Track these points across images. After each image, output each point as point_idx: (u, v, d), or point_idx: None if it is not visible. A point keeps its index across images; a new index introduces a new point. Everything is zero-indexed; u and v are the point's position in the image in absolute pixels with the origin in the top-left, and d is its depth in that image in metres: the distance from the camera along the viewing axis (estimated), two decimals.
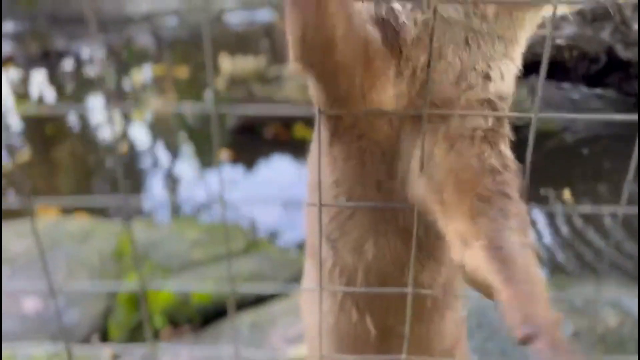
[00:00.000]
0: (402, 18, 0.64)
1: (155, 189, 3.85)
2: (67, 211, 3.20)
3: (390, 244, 0.76)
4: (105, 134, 4.82)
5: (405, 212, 0.72)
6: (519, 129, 0.71)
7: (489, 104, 0.67)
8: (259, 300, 2.20)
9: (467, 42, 0.65)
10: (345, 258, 0.79)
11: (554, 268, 2.61)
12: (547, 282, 0.58)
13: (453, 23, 0.64)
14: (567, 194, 3.31)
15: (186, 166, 4.14)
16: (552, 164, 3.31)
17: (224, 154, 4.06)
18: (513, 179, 0.65)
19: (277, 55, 4.48)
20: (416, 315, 0.74)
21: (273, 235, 2.98)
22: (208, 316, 2.15)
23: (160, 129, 4.82)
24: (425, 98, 0.58)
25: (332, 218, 0.78)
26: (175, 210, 3.50)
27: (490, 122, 0.67)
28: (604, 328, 1.81)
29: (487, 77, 0.67)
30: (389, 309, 0.80)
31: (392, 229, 0.75)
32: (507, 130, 0.69)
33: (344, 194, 0.76)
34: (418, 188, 0.68)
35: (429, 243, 0.75)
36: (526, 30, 0.68)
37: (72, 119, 4.82)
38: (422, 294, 0.75)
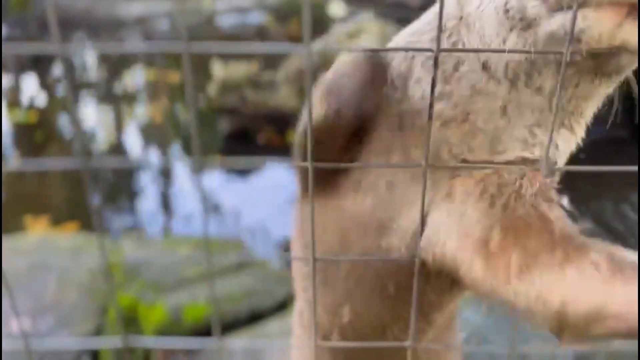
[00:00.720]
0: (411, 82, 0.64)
1: (149, 199, 3.80)
2: (57, 221, 3.14)
3: (370, 311, 0.71)
4: (98, 139, 4.77)
5: (398, 279, 0.67)
6: None
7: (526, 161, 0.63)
8: (254, 318, 2.15)
9: (504, 112, 0.62)
10: (322, 317, 0.76)
11: None
12: None
13: (485, 93, 0.61)
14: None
15: (180, 173, 4.09)
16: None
17: (217, 160, 4.01)
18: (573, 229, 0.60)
19: (270, 60, 4.44)
20: None
21: (268, 250, 2.94)
22: (201, 336, 2.10)
23: (153, 134, 4.76)
24: (426, 152, 0.53)
25: (306, 278, 0.74)
26: (168, 227, 3.44)
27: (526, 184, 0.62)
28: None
29: (525, 143, 0.63)
30: None
31: (373, 297, 0.71)
32: (552, 194, 0.63)
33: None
34: (445, 247, 0.62)
35: (423, 301, 0.71)
36: (594, 104, 0.64)
37: (64, 124, 4.76)
38: (404, 355, 0.71)
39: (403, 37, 0.70)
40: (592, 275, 0.54)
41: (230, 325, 2.10)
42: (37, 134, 4.61)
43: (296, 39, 5.45)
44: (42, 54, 6.00)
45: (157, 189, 3.90)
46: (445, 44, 0.63)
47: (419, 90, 0.64)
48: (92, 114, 5.35)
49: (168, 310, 2.10)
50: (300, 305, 0.81)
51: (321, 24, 4.12)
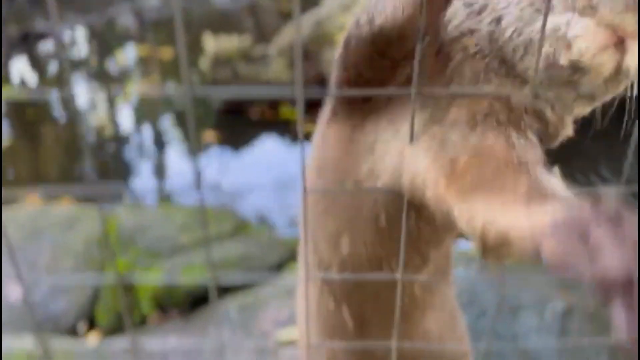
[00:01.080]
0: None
1: (143, 173, 3.80)
2: (52, 198, 3.14)
3: (367, 242, 0.74)
4: (90, 117, 4.74)
5: (388, 211, 0.69)
6: None
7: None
8: (248, 283, 2.18)
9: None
10: (322, 251, 0.78)
11: None
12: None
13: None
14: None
15: (173, 149, 4.09)
16: None
17: (210, 135, 4.01)
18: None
19: (262, 34, 4.40)
20: (393, 311, 0.72)
21: (262, 218, 2.95)
22: (197, 300, 2.13)
23: (146, 110, 4.74)
24: (416, 80, 0.54)
25: (310, 208, 0.75)
26: (163, 194, 3.45)
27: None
28: (596, 304, 1.81)
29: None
30: (365, 301, 0.78)
31: (369, 228, 0.73)
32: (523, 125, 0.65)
33: (323, 185, 0.74)
34: (415, 165, 0.64)
35: (418, 237, 0.73)
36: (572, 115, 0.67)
37: (55, 103, 4.73)
38: (399, 291, 0.73)
39: None
40: (515, 200, 0.56)
41: (225, 291, 2.13)
42: (29, 111, 4.59)
43: (288, 15, 5.41)
44: (31, 31, 5.93)
45: (151, 161, 3.91)
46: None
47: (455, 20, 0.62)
48: (83, 92, 5.32)
49: (164, 275, 2.13)
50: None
51: (310, 2, 4.09)
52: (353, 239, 0.74)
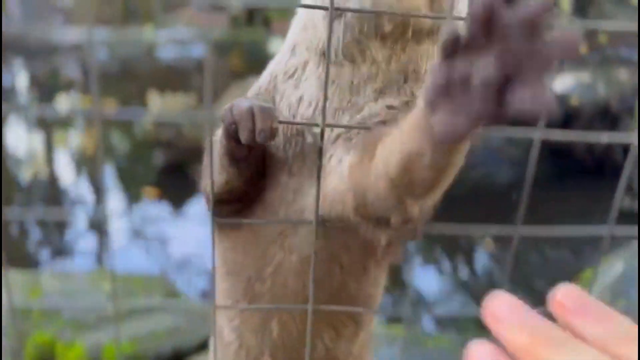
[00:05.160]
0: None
1: (79, 226, 3.70)
2: None
3: (295, 315, 0.76)
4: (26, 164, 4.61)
5: (316, 277, 0.70)
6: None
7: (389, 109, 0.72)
8: (177, 357, 2.14)
9: (353, 86, 0.72)
10: (250, 340, 0.80)
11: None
12: None
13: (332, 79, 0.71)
14: (488, 242, 3.46)
15: (112, 202, 4.01)
16: (475, 210, 3.45)
17: (151, 192, 3.97)
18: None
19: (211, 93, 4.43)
20: None
21: (194, 286, 2.92)
22: None
23: (86, 162, 4.66)
24: (323, 117, 0.61)
25: (228, 311, 0.79)
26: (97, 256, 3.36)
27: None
28: None
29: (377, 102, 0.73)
30: None
31: (298, 299, 0.75)
32: None
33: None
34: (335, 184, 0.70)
35: (343, 296, 0.76)
36: (424, 64, 0.73)
37: None
38: None
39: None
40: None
41: None
42: None
43: (237, 72, 5.51)
44: None
45: (89, 219, 3.81)
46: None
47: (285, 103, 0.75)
48: (21, 139, 5.18)
49: (87, 350, 2.05)
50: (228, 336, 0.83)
51: (261, 61, 4.21)
52: (282, 319, 0.77)
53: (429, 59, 0.72)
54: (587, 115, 4.42)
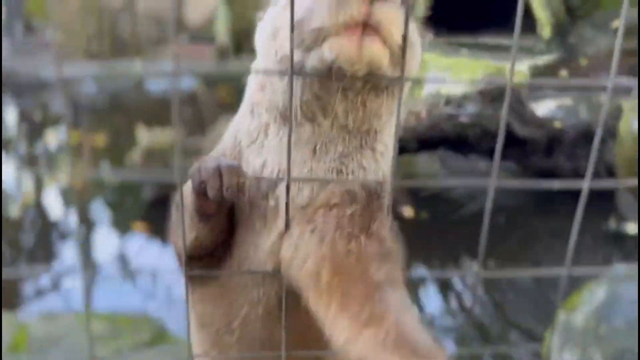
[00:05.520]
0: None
1: (66, 259, 3.68)
2: None
3: None
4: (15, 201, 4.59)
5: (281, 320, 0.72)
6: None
7: (348, 194, 0.71)
8: None
9: (314, 152, 0.71)
10: None
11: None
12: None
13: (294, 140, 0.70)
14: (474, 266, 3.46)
15: (101, 238, 3.99)
16: (457, 234, 3.47)
17: (140, 226, 3.96)
18: (394, 260, 0.68)
19: (199, 126, 4.49)
20: None
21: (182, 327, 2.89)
22: None
23: (75, 198, 4.64)
24: (288, 172, 0.63)
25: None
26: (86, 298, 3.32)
27: (351, 208, 0.70)
28: None
29: (340, 173, 0.72)
30: None
31: (265, 347, 0.77)
32: (377, 206, 0.72)
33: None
34: (292, 272, 0.71)
35: (319, 337, 0.77)
36: (387, 119, 0.73)
37: None
38: None
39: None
40: (378, 343, 0.63)
41: None
42: None
43: (226, 105, 5.54)
44: None
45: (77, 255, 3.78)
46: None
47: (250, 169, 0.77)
48: (10, 175, 5.16)
49: None
50: None
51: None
52: None
53: (388, 113, 0.73)
54: (571, 138, 4.48)
